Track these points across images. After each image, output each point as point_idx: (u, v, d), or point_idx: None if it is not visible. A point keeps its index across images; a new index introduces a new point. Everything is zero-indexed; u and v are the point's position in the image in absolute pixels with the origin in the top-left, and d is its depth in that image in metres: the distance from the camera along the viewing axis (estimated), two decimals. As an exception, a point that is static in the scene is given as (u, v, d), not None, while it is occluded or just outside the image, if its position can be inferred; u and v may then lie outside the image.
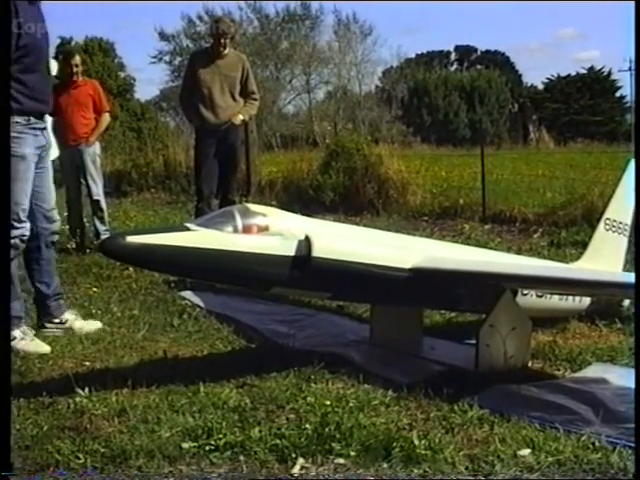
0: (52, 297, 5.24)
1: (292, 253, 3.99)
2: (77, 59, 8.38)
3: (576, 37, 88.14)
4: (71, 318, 5.25)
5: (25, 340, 4.79)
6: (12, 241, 4.70)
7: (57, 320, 5.21)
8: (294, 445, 3.22)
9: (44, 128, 5.09)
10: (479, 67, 53.57)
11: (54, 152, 9.98)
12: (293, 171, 13.19)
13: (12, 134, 4.69)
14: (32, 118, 4.92)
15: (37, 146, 4.98)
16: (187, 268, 4.00)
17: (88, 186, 8.42)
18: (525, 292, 4.68)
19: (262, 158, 15.55)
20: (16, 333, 4.74)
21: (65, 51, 11.16)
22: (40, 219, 5.09)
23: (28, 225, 4.88)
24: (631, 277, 3.74)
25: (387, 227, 7.84)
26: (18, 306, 4.84)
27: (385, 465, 3.10)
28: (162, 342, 4.92)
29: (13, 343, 4.60)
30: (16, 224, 4.75)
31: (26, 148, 4.86)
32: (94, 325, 5.26)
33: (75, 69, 8.22)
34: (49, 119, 5.29)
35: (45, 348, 4.77)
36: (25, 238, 4.86)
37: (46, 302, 5.21)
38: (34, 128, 4.94)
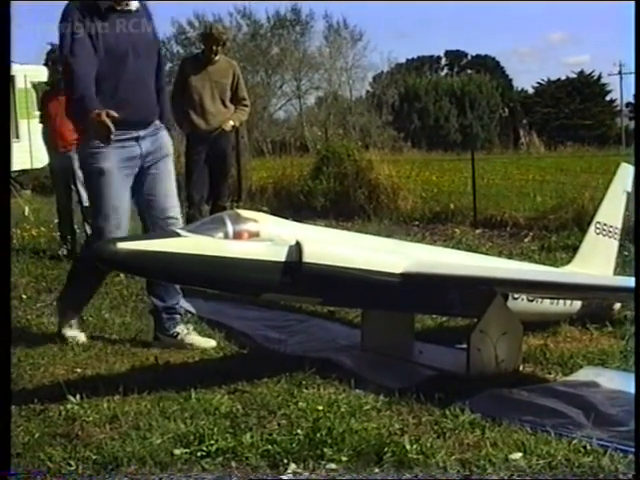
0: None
1: (283, 259, 3.98)
2: (67, 65, 8.32)
3: (566, 41, 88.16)
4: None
5: (191, 335, 5.01)
6: None
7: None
8: (286, 450, 3.22)
9: (138, 137, 4.75)
10: (469, 72, 53.54)
11: (43, 159, 10.01)
12: (284, 177, 13.20)
13: (91, 150, 4.64)
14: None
15: (126, 157, 4.71)
16: (178, 274, 4.00)
17: (78, 193, 8.39)
18: (516, 296, 4.68)
19: (253, 164, 15.52)
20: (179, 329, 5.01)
21: (54, 57, 11.11)
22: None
23: None
24: (621, 280, 3.76)
25: (378, 232, 7.83)
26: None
27: (377, 470, 3.10)
28: (153, 348, 4.91)
29: (181, 336, 4.97)
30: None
31: (104, 162, 4.64)
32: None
33: (65, 76, 8.16)
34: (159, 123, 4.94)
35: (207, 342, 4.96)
36: None
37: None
38: (118, 140, 4.54)
